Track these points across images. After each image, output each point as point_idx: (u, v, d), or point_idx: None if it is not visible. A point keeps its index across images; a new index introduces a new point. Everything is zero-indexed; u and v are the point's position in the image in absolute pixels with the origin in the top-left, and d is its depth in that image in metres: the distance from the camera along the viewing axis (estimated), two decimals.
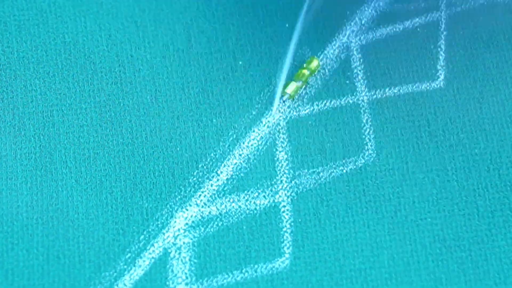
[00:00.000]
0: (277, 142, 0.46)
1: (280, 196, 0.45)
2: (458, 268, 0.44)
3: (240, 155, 0.46)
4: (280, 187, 0.45)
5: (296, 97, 0.47)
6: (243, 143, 0.46)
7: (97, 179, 0.45)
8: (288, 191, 0.45)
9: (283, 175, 0.45)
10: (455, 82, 0.48)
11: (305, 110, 0.47)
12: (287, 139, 0.46)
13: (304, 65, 0.48)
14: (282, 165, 0.46)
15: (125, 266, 0.43)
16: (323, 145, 0.46)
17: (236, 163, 0.46)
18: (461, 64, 0.48)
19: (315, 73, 0.48)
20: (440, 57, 0.49)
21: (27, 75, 0.47)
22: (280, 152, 0.46)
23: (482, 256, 0.44)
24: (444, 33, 0.49)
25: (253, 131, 0.46)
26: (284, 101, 0.47)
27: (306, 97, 0.47)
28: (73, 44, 0.48)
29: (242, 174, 0.45)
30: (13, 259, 0.43)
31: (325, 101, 0.47)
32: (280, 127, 0.46)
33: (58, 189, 0.45)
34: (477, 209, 0.45)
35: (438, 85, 0.48)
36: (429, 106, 0.47)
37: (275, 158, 0.46)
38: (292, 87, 0.47)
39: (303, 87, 0.47)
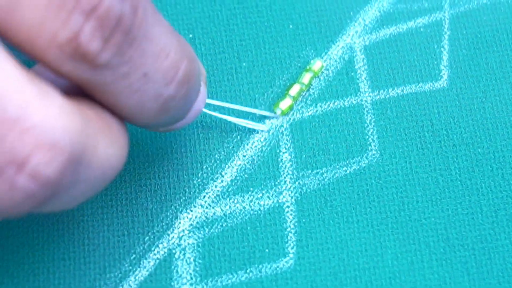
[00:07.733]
0: (280, 143, 0.46)
1: (284, 197, 0.45)
2: (462, 267, 0.44)
3: (244, 156, 0.46)
4: (284, 187, 0.45)
5: (300, 99, 0.47)
6: (247, 144, 0.46)
7: None
8: (292, 192, 0.45)
9: (287, 175, 0.45)
10: (458, 82, 0.48)
11: (308, 112, 0.47)
12: (290, 140, 0.46)
13: (308, 67, 0.48)
14: (286, 166, 0.46)
15: (130, 267, 0.43)
16: (326, 145, 0.46)
17: (240, 164, 0.46)
18: (464, 64, 0.48)
19: (319, 75, 0.48)
20: (444, 57, 0.49)
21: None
22: (283, 153, 0.46)
23: (486, 255, 0.44)
24: (448, 33, 0.49)
25: (257, 132, 0.46)
26: (277, 118, 0.47)
27: (309, 98, 0.47)
28: None
29: (246, 175, 0.45)
30: (18, 261, 0.43)
31: (328, 102, 0.47)
32: (283, 129, 0.46)
33: None
34: (480, 209, 0.45)
35: (442, 85, 0.48)
36: (433, 106, 0.47)
37: (279, 159, 0.46)
38: (286, 103, 0.47)
39: (307, 89, 0.47)
